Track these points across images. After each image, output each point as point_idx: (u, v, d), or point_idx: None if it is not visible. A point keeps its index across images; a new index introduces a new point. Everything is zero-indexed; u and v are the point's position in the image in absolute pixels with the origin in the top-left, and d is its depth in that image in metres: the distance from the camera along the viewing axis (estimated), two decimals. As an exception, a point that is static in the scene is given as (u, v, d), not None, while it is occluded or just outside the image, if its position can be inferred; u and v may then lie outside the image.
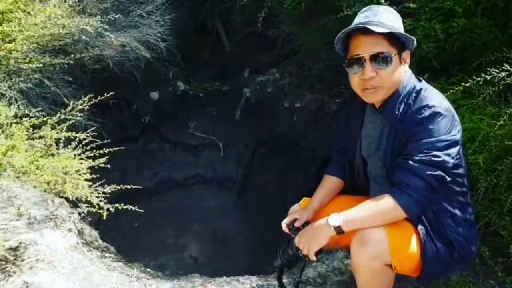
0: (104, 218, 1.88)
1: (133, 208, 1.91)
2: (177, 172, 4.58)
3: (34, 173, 1.62)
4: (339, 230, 1.52)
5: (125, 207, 1.88)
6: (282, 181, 4.47)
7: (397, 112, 1.57)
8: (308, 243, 1.59)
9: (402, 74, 1.59)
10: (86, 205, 1.93)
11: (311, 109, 4.14)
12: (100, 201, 1.88)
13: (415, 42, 1.59)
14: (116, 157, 2.53)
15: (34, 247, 1.83)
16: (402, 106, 1.56)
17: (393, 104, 1.59)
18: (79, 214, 2.41)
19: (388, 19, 1.55)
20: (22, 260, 1.73)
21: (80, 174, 1.87)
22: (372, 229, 1.53)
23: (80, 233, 2.20)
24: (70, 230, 2.14)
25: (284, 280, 2.06)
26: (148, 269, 2.23)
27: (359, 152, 1.80)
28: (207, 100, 4.78)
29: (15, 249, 1.77)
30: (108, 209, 1.88)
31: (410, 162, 1.50)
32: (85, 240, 2.18)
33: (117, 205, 1.89)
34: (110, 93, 2.35)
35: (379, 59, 1.52)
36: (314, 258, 1.59)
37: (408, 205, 1.50)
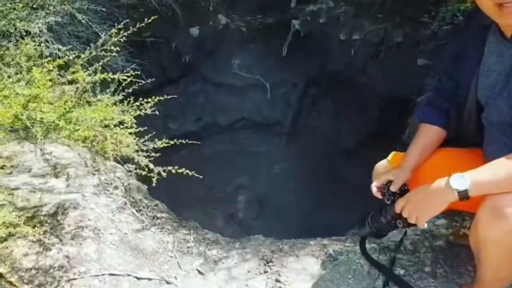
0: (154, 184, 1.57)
1: (190, 173, 1.59)
2: (222, 116, 4.26)
3: (65, 128, 1.30)
4: (463, 195, 1.17)
5: (180, 171, 1.57)
6: (336, 125, 4.07)
7: None
8: (419, 211, 1.26)
9: None
10: (134, 166, 1.62)
11: (372, 42, 3.63)
12: (150, 161, 1.56)
13: None
14: (157, 102, 2.25)
15: (75, 211, 1.55)
16: None
17: None
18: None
19: None
20: (63, 229, 1.46)
21: (122, 128, 1.54)
22: (509, 197, 1.16)
23: (127, 190, 1.93)
24: (116, 187, 1.86)
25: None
26: (206, 230, 1.95)
27: (473, 94, 1.38)
28: (250, 35, 4.30)
29: (53, 214, 1.50)
30: (159, 173, 1.57)
31: None
32: (133, 198, 1.90)
33: (170, 168, 1.57)
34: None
35: None
36: (425, 226, 1.28)
37: None
